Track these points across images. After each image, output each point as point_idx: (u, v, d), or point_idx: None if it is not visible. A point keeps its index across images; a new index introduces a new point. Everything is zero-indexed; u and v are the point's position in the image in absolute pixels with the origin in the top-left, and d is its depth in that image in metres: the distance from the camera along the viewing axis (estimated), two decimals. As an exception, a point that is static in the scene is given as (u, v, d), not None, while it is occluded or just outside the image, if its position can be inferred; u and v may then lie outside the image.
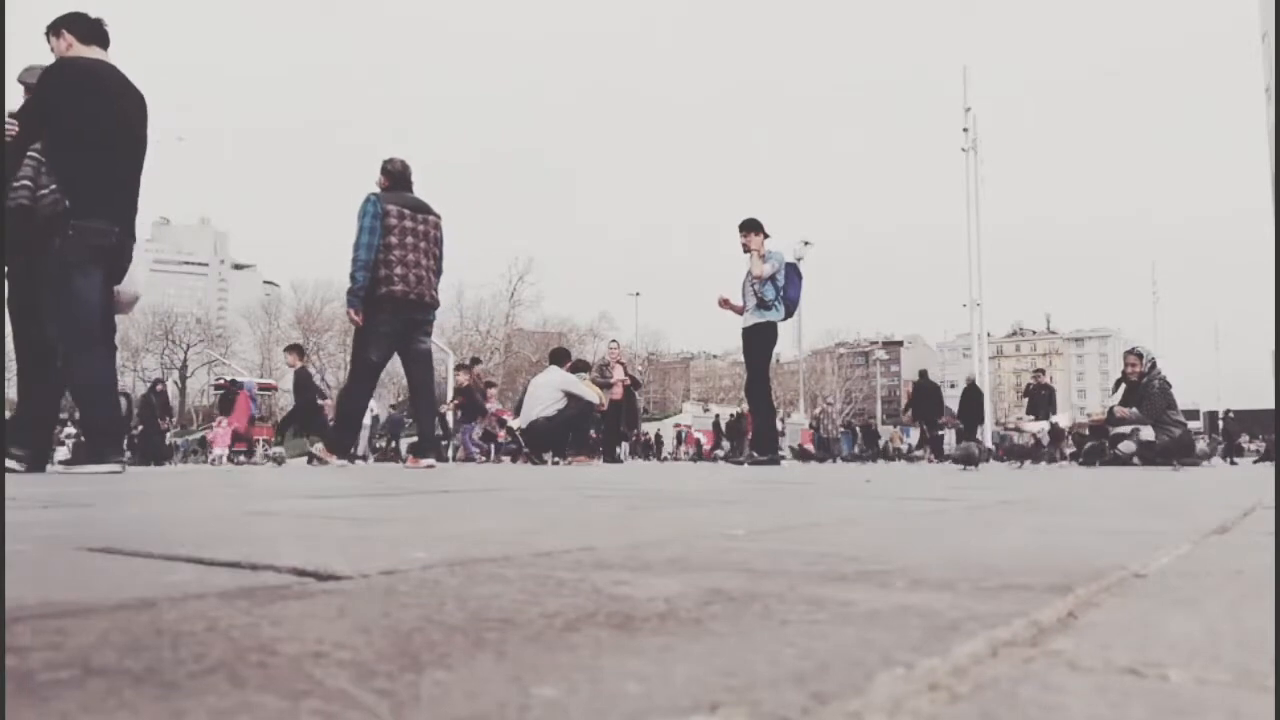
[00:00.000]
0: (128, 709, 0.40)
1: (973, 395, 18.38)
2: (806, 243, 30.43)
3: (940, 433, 19.26)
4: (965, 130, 22.28)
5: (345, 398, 6.41)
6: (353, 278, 5.92)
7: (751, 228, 8.17)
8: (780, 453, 10.15)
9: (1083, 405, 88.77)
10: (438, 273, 6.16)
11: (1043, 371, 19.09)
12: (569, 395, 10.10)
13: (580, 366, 11.72)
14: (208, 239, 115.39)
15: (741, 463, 9.44)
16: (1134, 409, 8.92)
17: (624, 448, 17.30)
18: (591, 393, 10.52)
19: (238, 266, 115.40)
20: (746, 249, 8.16)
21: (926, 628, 0.60)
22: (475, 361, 16.72)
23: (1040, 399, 17.35)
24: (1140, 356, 9.20)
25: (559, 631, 0.58)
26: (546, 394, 10.16)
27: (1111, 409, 9.44)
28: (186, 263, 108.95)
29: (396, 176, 6.23)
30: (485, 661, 0.49)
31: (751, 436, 9.99)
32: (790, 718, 0.40)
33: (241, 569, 0.87)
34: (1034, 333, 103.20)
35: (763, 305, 7.96)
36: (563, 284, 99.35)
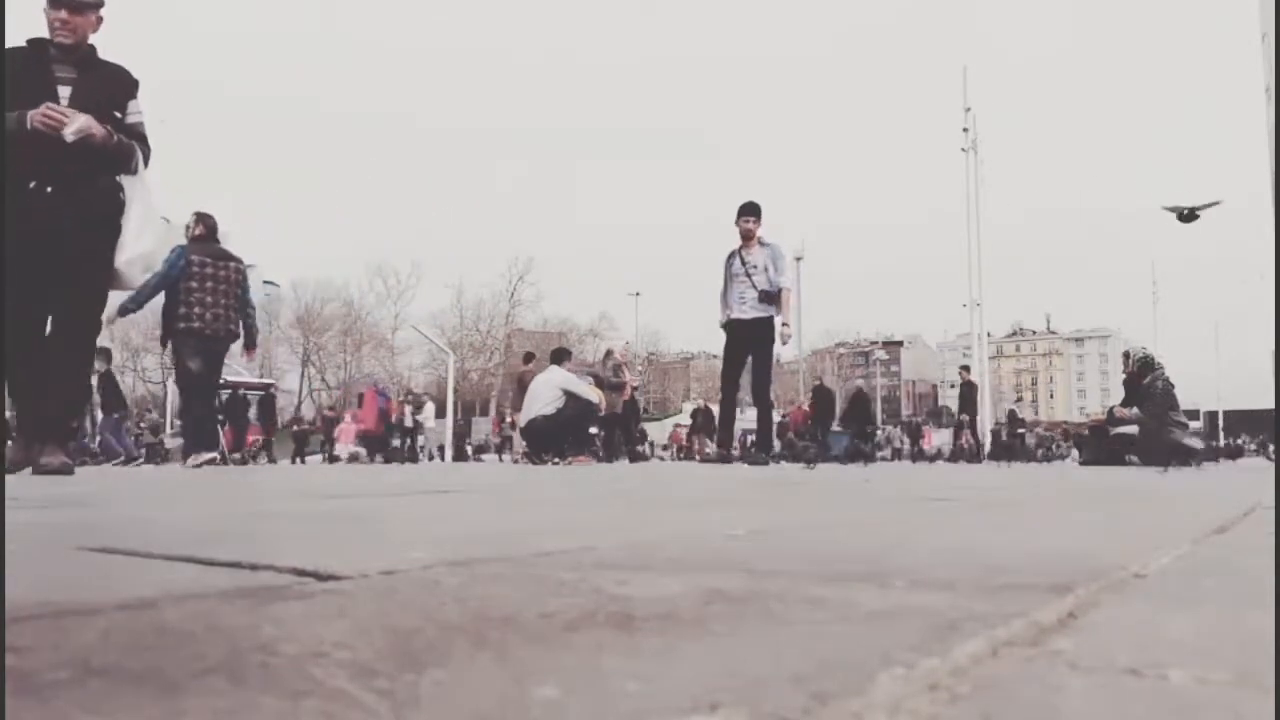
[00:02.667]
0: (128, 709, 0.40)
1: (860, 400, 19.29)
2: (799, 258, 30.84)
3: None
4: (965, 130, 22.34)
5: (184, 409, 8.00)
6: (130, 297, 6.89)
7: (760, 215, 7.65)
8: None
9: (1082, 405, 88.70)
10: (238, 309, 7.42)
11: (967, 369, 19.32)
12: (569, 395, 10.11)
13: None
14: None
15: (744, 462, 9.43)
16: (1134, 409, 8.93)
17: (644, 447, 17.13)
18: (592, 393, 10.53)
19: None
20: (749, 235, 7.62)
21: (926, 628, 0.59)
22: (530, 357, 16.19)
23: (966, 397, 17.62)
24: (1127, 356, 9.50)
25: (559, 631, 0.58)
26: (546, 393, 10.16)
27: (1111, 409, 9.50)
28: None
29: (205, 230, 7.49)
30: (485, 661, 0.49)
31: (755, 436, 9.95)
32: (790, 718, 0.39)
33: (241, 569, 0.87)
34: (1034, 333, 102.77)
35: (767, 299, 7.55)
36: (563, 284, 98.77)
